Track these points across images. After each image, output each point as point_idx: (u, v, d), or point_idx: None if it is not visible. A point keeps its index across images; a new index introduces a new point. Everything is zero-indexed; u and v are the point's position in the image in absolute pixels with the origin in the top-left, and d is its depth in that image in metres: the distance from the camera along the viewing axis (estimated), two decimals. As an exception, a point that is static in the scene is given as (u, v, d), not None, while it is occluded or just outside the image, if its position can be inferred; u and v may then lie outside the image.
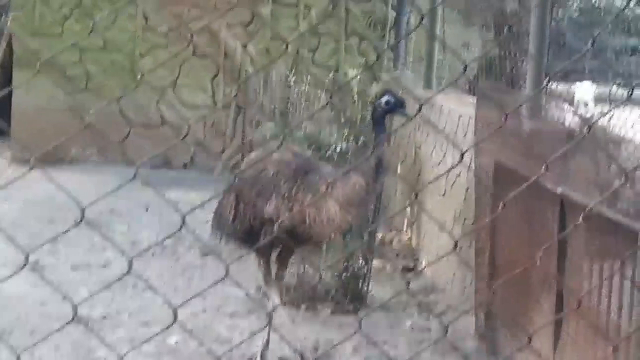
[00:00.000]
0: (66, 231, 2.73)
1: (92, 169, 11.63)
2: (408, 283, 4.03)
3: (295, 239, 5.48)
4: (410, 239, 8.94)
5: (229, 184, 6.31)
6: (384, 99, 5.61)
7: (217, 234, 6.00)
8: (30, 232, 8.52)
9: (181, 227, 2.38)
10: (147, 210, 9.60)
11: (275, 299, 5.89)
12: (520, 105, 5.71)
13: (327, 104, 7.03)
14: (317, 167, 5.74)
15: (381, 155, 5.50)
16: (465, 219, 7.16)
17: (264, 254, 5.84)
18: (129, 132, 12.10)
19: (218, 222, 5.98)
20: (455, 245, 2.89)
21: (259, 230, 5.59)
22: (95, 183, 10.19)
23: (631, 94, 2.79)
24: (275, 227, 5.38)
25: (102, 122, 11.56)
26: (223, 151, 12.16)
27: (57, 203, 9.04)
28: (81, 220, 2.40)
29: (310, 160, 5.91)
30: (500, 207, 2.89)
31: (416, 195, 2.57)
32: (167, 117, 12.24)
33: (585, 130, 3.04)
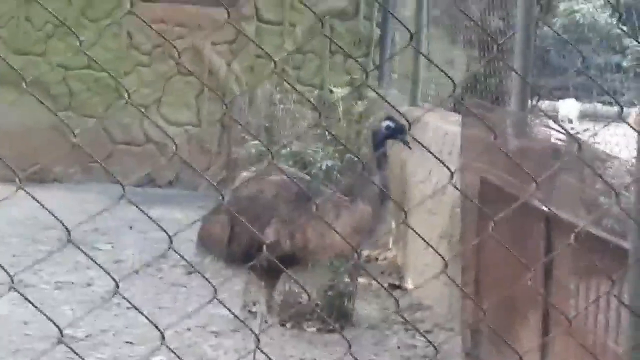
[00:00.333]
0: (53, 252, 2.70)
1: (75, 187, 11.58)
2: (397, 303, 3.99)
3: (291, 263, 5.40)
4: (395, 256, 8.92)
5: (218, 202, 6.20)
6: (384, 124, 5.54)
7: (204, 252, 5.91)
8: (13, 251, 8.47)
9: (169, 247, 2.36)
10: (131, 228, 9.56)
11: (270, 320, 5.82)
12: (508, 123, 5.71)
13: (315, 124, 7.00)
14: (319, 191, 5.64)
15: (384, 181, 5.44)
16: (451, 237, 7.15)
17: (268, 278, 5.73)
18: (113, 150, 12.07)
19: (205, 240, 5.88)
20: (446, 265, 2.87)
21: (256, 253, 5.43)
22: (79, 201, 10.15)
23: (621, 112, 2.79)
24: (265, 250, 5.27)
25: (85, 140, 11.52)
26: (208, 169, 12.13)
27: (40, 222, 8.99)
28: (68, 241, 2.37)
29: (312, 184, 5.83)
30: (490, 227, 2.87)
31: (405, 213, 2.53)
32: (151, 135, 12.21)
33: (576, 148, 3.03)
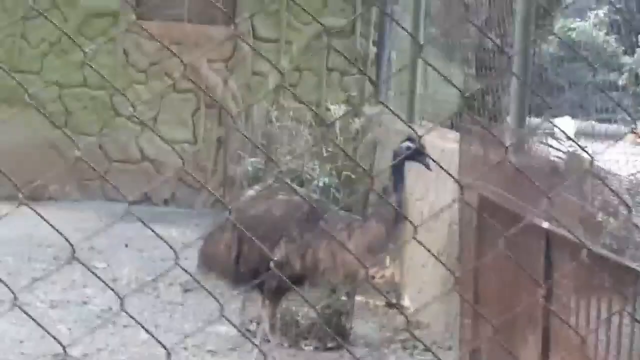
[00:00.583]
0: (52, 271, 2.67)
1: (70, 205, 11.53)
2: (407, 322, 3.95)
3: (297, 283, 5.35)
4: (393, 274, 8.89)
5: (222, 221, 6.11)
6: (405, 145, 5.50)
7: (207, 271, 5.85)
8: (8, 269, 8.42)
9: (176, 263, 2.32)
10: (126, 246, 9.52)
11: (273, 339, 5.77)
12: (507, 140, 5.69)
13: (316, 142, 6.98)
14: (330, 211, 5.58)
15: (401, 202, 5.39)
16: (449, 254, 7.11)
17: (274, 297, 5.68)
18: (109, 167, 12.04)
19: (208, 259, 5.81)
20: (456, 282, 2.85)
21: (264, 273, 5.32)
22: (75, 219, 10.09)
23: (634, 130, 2.77)
24: (274, 269, 5.22)
25: (81, 158, 11.49)
26: (204, 186, 12.09)
27: (36, 240, 8.95)
28: (74, 259, 2.34)
29: (321, 203, 5.78)
30: (500, 243, 2.84)
31: (415, 229, 2.49)
32: (148, 153, 12.19)
33: (588, 166, 3.01)
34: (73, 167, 11.60)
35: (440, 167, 3.14)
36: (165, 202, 12.17)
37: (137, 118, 11.20)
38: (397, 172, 5.47)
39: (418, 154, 5.46)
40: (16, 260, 8.86)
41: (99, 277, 2.64)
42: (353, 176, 7.33)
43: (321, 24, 10.83)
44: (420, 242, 2.22)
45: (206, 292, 5.86)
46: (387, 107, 6.23)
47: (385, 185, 5.50)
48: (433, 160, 5.36)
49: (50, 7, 11.69)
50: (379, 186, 5.71)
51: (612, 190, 3.88)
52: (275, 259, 5.30)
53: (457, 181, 2.82)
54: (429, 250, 3.09)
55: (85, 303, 7.79)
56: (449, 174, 3.08)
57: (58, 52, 11.97)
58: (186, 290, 8.12)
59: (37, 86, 11.72)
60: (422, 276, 7.79)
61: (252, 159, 7.94)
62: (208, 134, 12.18)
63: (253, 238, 5.39)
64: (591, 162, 3.00)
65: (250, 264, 5.52)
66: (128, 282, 8.37)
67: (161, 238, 2.56)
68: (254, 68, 12.14)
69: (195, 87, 12.02)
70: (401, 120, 6.01)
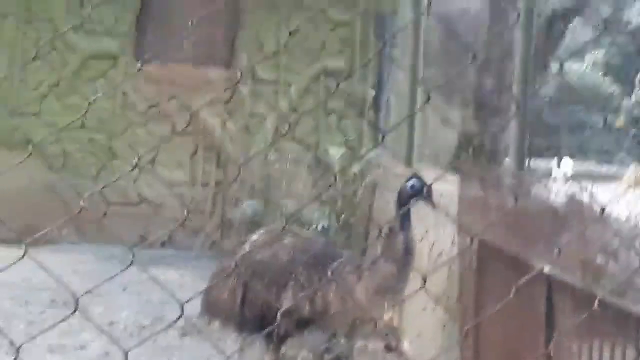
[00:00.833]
0: (57, 319, 2.64)
1: (68, 248, 11.49)
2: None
3: (305, 326, 5.30)
4: (392, 317, 8.83)
5: (224, 266, 6.03)
6: (410, 183, 5.48)
7: (211, 318, 5.78)
8: (5, 313, 8.36)
9: (180, 315, 2.29)
10: (124, 289, 9.46)
11: None
12: (506, 183, 5.67)
13: (314, 184, 6.96)
14: (338, 254, 5.53)
15: (409, 242, 5.35)
16: (448, 297, 7.07)
17: (279, 341, 5.62)
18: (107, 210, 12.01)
19: (212, 306, 5.74)
20: (466, 335, 2.82)
21: (271, 319, 5.28)
22: (73, 262, 10.06)
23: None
24: (281, 317, 5.15)
25: (78, 201, 11.47)
26: (202, 229, 12.06)
27: (33, 284, 8.89)
28: (76, 310, 2.31)
29: (328, 246, 5.73)
30: (512, 292, 2.81)
31: (424, 279, 2.45)
32: (146, 195, 12.17)
33: (599, 211, 2.98)
34: (70, 209, 11.57)
35: (446, 215, 3.12)
36: (163, 244, 12.13)
37: (138, 162, 11.18)
38: (403, 211, 5.44)
39: (423, 192, 5.44)
40: (13, 304, 8.80)
41: (101, 329, 2.59)
42: (351, 219, 7.31)
43: (325, 70, 10.84)
44: (427, 291, 2.18)
45: (204, 336, 5.83)
46: (386, 149, 6.21)
47: (391, 225, 5.47)
48: (433, 204, 5.32)
49: (49, 49, 11.74)
50: (384, 226, 5.67)
51: (621, 237, 3.86)
52: (284, 307, 5.24)
53: (465, 231, 2.80)
54: (434, 301, 3.04)
55: (82, 348, 7.72)
56: (456, 222, 3.06)
57: (57, 94, 11.99)
58: (183, 334, 8.06)
59: (35, 127, 11.72)
60: (421, 320, 7.74)
61: (250, 202, 7.92)
62: (206, 176, 12.17)
63: (258, 284, 5.33)
64: (602, 210, 2.97)
65: (256, 309, 5.47)
66: (125, 326, 8.31)
67: (168, 292, 2.52)
68: (252, 110, 12.16)
69: (194, 130, 12.03)
70: (403, 164, 5.99)
